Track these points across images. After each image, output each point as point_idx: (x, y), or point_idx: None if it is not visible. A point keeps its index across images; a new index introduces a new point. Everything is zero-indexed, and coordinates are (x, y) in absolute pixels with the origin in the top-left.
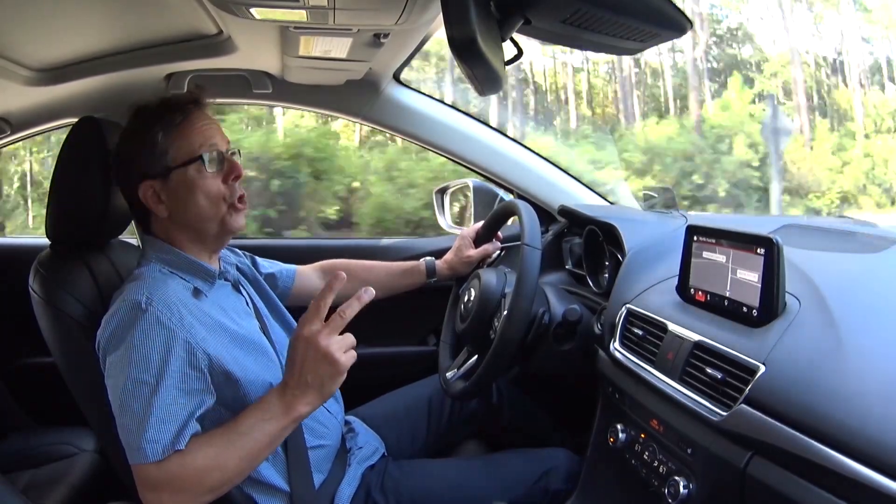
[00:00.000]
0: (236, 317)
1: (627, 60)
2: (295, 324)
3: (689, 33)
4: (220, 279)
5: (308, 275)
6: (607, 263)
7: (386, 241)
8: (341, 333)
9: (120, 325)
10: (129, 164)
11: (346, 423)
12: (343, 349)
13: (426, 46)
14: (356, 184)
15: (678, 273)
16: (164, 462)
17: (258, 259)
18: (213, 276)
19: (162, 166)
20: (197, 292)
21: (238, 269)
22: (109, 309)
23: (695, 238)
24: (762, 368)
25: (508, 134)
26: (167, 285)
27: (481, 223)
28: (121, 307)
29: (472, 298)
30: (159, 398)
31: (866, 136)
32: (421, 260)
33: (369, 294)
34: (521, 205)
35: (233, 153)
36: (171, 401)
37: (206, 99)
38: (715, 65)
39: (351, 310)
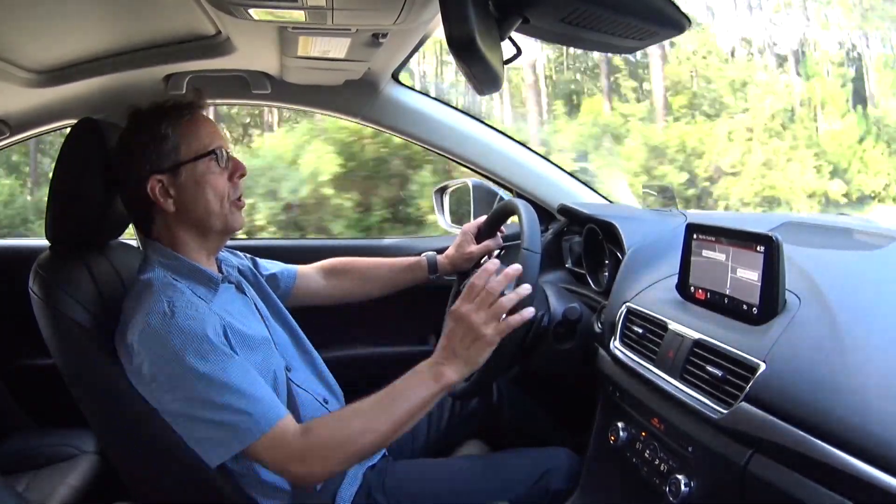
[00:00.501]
0: (242, 318)
1: None
2: (296, 325)
3: None
4: (223, 283)
5: (310, 275)
6: (607, 262)
7: (387, 241)
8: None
9: (157, 344)
10: (134, 160)
11: None
12: (491, 322)
13: None
14: None
15: (678, 271)
16: (309, 432)
17: (259, 260)
18: (217, 283)
19: (172, 160)
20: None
21: (239, 271)
22: (129, 331)
23: (694, 236)
24: (762, 366)
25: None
26: (181, 291)
27: (483, 217)
28: (148, 323)
29: None
30: (232, 375)
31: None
32: (423, 255)
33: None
34: (522, 205)
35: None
36: (242, 372)
37: (205, 101)
38: None
39: (499, 284)
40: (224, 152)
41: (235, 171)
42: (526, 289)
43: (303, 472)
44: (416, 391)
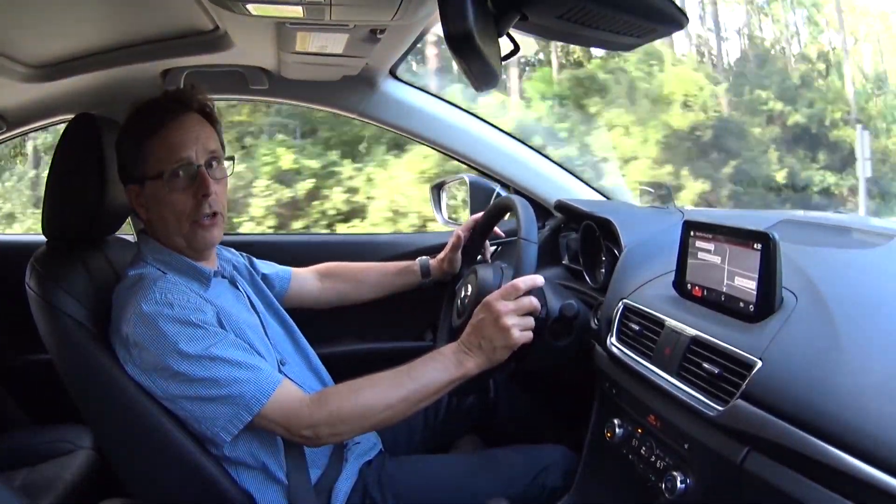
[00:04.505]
0: (235, 310)
1: None
2: (291, 321)
3: None
4: (215, 276)
5: (305, 277)
6: (604, 258)
7: (384, 237)
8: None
9: (151, 333)
10: (120, 164)
11: None
12: (520, 327)
13: None
14: None
15: (675, 268)
16: (322, 400)
17: (255, 260)
18: (208, 278)
19: (139, 173)
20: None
21: (234, 266)
22: (122, 323)
23: (691, 233)
24: (759, 364)
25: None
26: (172, 282)
27: (479, 214)
28: (141, 313)
29: (468, 294)
30: (227, 350)
31: None
32: (416, 260)
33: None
34: (518, 200)
35: (226, 160)
36: (237, 346)
37: (196, 99)
38: None
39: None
40: (189, 168)
41: (199, 190)
42: (540, 280)
43: (313, 437)
44: (436, 374)
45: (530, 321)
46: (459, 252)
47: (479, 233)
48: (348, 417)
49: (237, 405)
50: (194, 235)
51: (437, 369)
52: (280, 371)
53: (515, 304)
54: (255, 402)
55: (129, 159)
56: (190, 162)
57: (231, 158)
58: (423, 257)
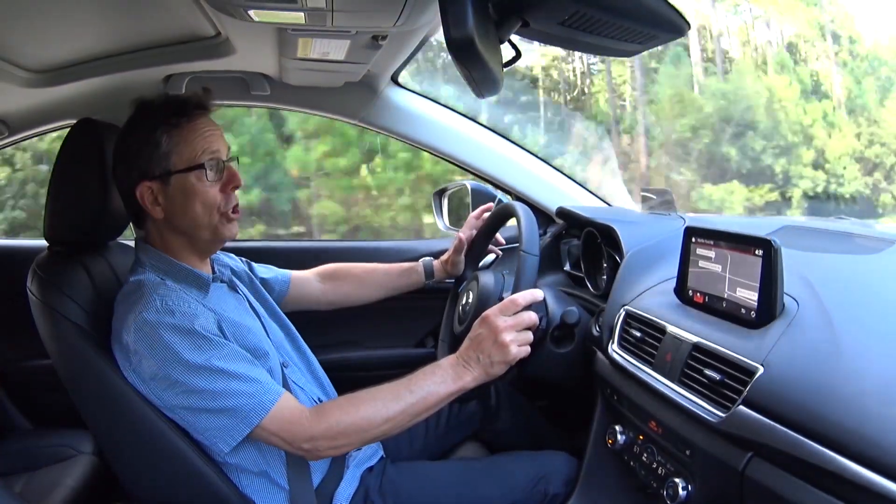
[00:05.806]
0: (236, 314)
1: None
2: (292, 326)
3: None
4: (214, 282)
5: (305, 280)
6: (605, 265)
7: (386, 244)
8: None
9: (152, 341)
10: (129, 162)
11: None
12: (518, 343)
13: None
14: None
15: (676, 275)
16: (321, 413)
17: (254, 264)
18: (207, 284)
19: (163, 169)
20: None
21: (232, 271)
22: (123, 331)
23: (693, 240)
24: (760, 370)
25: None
26: (172, 289)
27: (475, 214)
28: (142, 321)
29: (470, 301)
30: (227, 362)
31: None
32: (419, 261)
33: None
34: (520, 208)
35: (231, 160)
36: (237, 357)
37: (211, 104)
38: None
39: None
40: (219, 162)
41: (229, 182)
42: (539, 294)
43: (313, 450)
44: (434, 387)
45: (529, 336)
46: (462, 254)
47: (482, 237)
48: (347, 430)
49: (236, 418)
50: (223, 227)
51: (436, 382)
52: (283, 373)
53: (514, 320)
54: (254, 416)
55: (146, 155)
56: (219, 156)
57: (235, 158)
58: (427, 258)
